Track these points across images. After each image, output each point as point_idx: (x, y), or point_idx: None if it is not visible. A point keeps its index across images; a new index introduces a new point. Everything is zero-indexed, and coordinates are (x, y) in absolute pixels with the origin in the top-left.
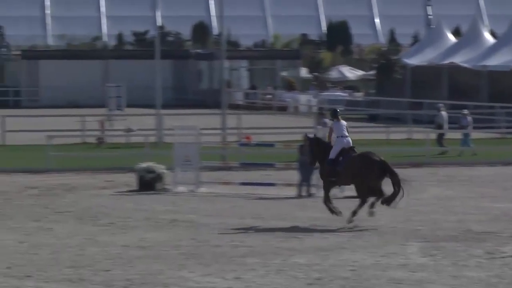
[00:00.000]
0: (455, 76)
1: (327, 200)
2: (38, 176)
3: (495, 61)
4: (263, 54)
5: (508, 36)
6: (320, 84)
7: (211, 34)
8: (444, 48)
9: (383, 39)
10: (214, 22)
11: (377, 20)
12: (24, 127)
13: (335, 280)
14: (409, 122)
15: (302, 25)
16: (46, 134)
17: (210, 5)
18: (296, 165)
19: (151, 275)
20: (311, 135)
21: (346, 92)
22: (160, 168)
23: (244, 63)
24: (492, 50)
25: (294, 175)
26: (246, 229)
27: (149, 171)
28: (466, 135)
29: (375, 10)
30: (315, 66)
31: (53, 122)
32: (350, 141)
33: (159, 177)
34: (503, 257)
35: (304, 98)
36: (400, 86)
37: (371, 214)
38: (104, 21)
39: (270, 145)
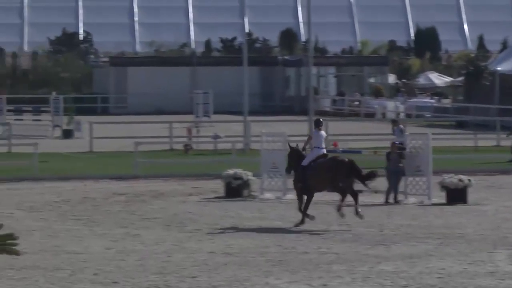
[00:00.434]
0: None
1: (300, 207)
2: (125, 183)
3: None
4: (351, 60)
5: None
6: (408, 90)
7: (299, 40)
8: None
9: (471, 46)
10: (302, 29)
11: (465, 26)
12: (111, 133)
13: None
14: (497, 129)
15: (390, 32)
16: (133, 140)
17: (298, 12)
18: (384, 172)
19: (237, 281)
20: (293, 145)
21: (434, 98)
22: (247, 174)
23: (331, 70)
24: None
25: (381, 182)
26: (333, 236)
27: (236, 177)
28: None
29: (464, 17)
30: (403, 72)
31: (141, 129)
32: (325, 151)
33: (246, 184)
34: None
35: (392, 105)
36: (489, 92)
37: (341, 215)
38: (192, 28)
39: (357, 151)
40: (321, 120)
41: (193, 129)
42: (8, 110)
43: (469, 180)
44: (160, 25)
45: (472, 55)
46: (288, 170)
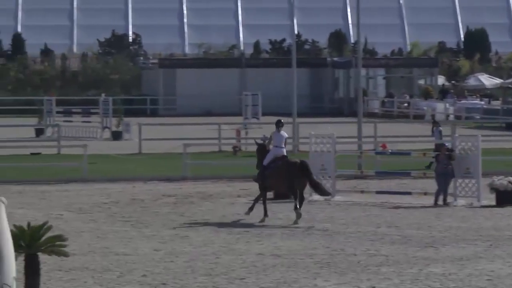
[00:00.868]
0: None
1: (257, 199)
2: (174, 184)
3: None
4: (400, 62)
5: None
6: (457, 92)
7: (348, 42)
8: None
9: None
10: (351, 30)
11: None
12: (160, 135)
13: None
14: None
15: (440, 33)
16: (182, 142)
17: (347, 13)
18: (433, 173)
19: (286, 283)
20: (259, 141)
21: (483, 100)
22: None
23: (381, 71)
24: None
25: (430, 184)
26: (382, 238)
27: None
28: None
29: None
30: (453, 74)
31: (190, 131)
32: (284, 151)
33: None
34: None
35: (441, 106)
36: None
37: (298, 216)
38: (241, 29)
39: (406, 153)
40: (281, 120)
41: (242, 131)
42: (58, 112)
43: None
44: (209, 27)
45: None
46: (258, 166)
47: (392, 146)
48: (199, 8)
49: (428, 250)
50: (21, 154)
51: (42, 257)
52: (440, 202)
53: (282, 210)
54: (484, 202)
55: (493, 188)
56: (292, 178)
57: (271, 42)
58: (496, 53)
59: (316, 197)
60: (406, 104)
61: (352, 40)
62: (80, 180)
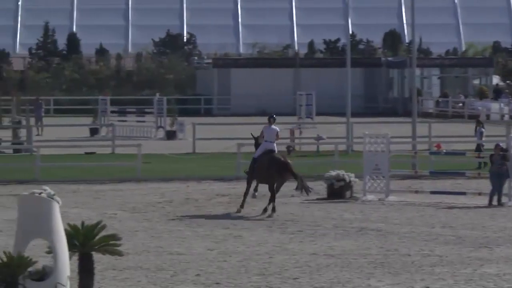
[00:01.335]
0: None
1: (246, 193)
2: (228, 184)
3: None
4: (455, 62)
5: None
6: None
7: (403, 42)
8: None
9: None
10: (406, 30)
11: None
12: (214, 135)
13: None
14: None
15: (495, 33)
16: (236, 142)
17: (402, 13)
18: (488, 174)
19: (339, 283)
20: (254, 134)
21: None
22: (349, 176)
23: (435, 71)
24: None
25: (485, 184)
26: (436, 238)
27: (339, 179)
28: None
29: None
30: (508, 74)
31: (243, 130)
32: (274, 146)
33: (348, 185)
34: None
35: (496, 106)
36: None
37: (264, 211)
38: (295, 29)
39: (461, 153)
40: (273, 116)
41: (296, 131)
42: (112, 112)
43: None
44: (263, 26)
45: None
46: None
47: (447, 146)
48: (254, 8)
49: (482, 250)
50: (76, 153)
51: (96, 256)
52: (495, 202)
53: (336, 210)
54: None
55: None
56: (272, 173)
57: (325, 42)
58: None
59: (370, 197)
60: (460, 104)
61: (407, 39)
62: (134, 180)
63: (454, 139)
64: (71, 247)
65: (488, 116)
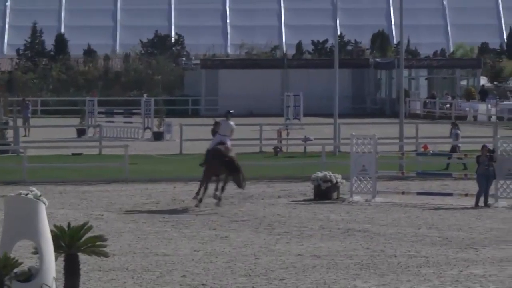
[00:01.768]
0: None
1: (202, 183)
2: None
3: None
4: (443, 63)
5: None
6: (500, 93)
7: (391, 43)
8: None
9: None
10: (394, 31)
11: None
12: (202, 136)
13: None
14: None
15: (483, 34)
16: None
17: (390, 14)
18: (474, 175)
19: (325, 284)
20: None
21: None
22: (336, 177)
23: (423, 72)
24: None
25: (471, 185)
26: (422, 239)
27: (326, 180)
28: None
29: None
30: (495, 75)
31: None
32: (227, 139)
33: (335, 187)
34: None
35: (483, 107)
36: None
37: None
38: (283, 30)
39: (448, 154)
40: (230, 111)
41: (283, 132)
42: (100, 112)
43: None
44: (252, 27)
45: None
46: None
47: (434, 147)
48: (242, 9)
49: (469, 251)
50: (63, 154)
51: (82, 257)
52: (481, 203)
53: (323, 211)
54: None
55: None
56: (216, 164)
57: (313, 43)
58: None
59: (357, 198)
60: (448, 105)
61: (395, 41)
62: (121, 181)
63: (441, 140)
64: (57, 248)
65: (475, 117)
